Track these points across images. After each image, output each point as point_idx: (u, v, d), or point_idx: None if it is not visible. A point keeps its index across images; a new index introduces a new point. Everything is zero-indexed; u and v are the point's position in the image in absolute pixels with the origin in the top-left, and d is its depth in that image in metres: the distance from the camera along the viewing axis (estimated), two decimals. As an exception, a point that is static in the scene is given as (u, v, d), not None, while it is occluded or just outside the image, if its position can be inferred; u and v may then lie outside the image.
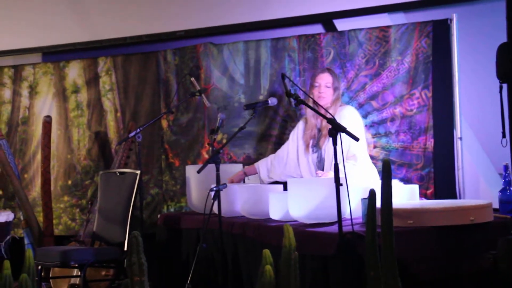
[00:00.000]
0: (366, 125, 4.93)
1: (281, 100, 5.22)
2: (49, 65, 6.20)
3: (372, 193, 3.25)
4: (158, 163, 5.81)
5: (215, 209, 4.21)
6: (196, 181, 4.92)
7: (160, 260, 5.05)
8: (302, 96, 5.11)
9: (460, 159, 4.75)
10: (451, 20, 4.80)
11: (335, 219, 3.46)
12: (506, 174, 4.02)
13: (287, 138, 5.21)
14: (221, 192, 4.21)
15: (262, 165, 4.89)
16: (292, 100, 4.00)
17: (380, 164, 4.65)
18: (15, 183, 5.72)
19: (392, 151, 4.95)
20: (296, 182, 4.08)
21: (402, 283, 3.12)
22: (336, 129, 3.54)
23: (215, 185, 4.21)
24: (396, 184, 4.26)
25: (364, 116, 4.94)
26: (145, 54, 5.93)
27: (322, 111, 4.35)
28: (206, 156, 5.55)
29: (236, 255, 4.35)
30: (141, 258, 3.51)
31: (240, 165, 5.14)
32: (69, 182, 6.07)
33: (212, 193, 4.20)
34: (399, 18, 5.12)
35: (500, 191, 4.03)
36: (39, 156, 5.96)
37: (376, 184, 3.54)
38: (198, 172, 4.27)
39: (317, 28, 5.40)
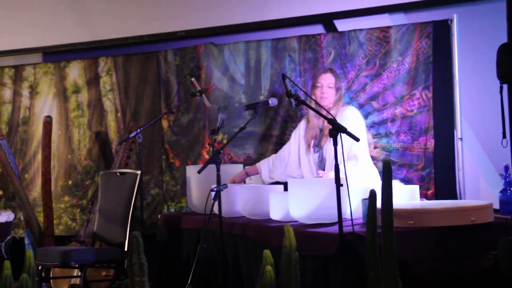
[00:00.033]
0: (366, 126, 4.93)
1: (282, 100, 5.23)
2: (50, 65, 6.21)
3: (372, 193, 3.25)
4: (158, 163, 5.82)
5: (216, 209, 4.21)
6: (197, 181, 4.92)
7: (160, 260, 5.05)
8: (302, 97, 5.13)
9: (461, 160, 4.75)
10: (451, 20, 4.80)
11: (336, 219, 3.46)
12: (507, 175, 4.02)
13: (288, 139, 5.21)
14: (222, 193, 4.22)
15: (263, 165, 4.89)
16: (292, 100, 4.00)
17: (380, 164, 4.65)
18: (16, 183, 5.72)
19: (392, 152, 4.95)
20: (296, 182, 4.08)
21: (403, 284, 3.12)
22: (336, 129, 3.54)
23: (215, 185, 4.21)
24: (396, 184, 4.26)
25: (365, 117, 4.94)
26: (145, 54, 5.93)
27: (323, 112, 4.36)
28: (207, 156, 5.55)
29: (236, 256, 4.35)
30: (141, 259, 3.51)
31: (241, 166, 5.14)
32: (70, 182, 6.07)
33: (213, 194, 4.21)
34: (400, 19, 5.12)
35: (501, 192, 4.03)
36: (39, 156, 5.96)
37: (377, 184, 3.54)
38: (199, 172, 4.28)
39: (318, 29, 5.40)
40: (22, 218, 5.76)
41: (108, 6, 6.03)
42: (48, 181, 5.76)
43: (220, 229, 4.25)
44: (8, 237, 5.45)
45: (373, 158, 4.85)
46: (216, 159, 4.23)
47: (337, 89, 4.64)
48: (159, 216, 5.44)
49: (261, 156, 5.35)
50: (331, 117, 3.69)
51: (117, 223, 4.92)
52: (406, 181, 4.80)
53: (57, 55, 6.28)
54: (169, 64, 5.80)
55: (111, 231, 4.96)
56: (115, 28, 6.01)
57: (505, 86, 3.75)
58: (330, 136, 3.55)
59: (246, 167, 5.03)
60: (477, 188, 4.79)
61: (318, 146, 4.67)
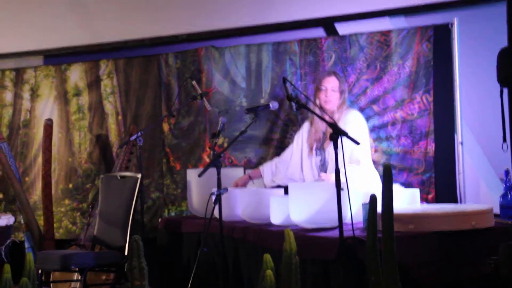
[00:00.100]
0: (367, 129, 4.93)
1: (283, 104, 5.23)
2: (51, 68, 6.21)
3: (373, 198, 3.26)
4: (159, 166, 5.81)
5: (216, 213, 4.21)
6: (197, 185, 4.92)
7: (161, 264, 5.04)
8: (303, 100, 5.14)
9: (461, 164, 4.75)
10: (452, 24, 4.80)
11: (336, 223, 3.46)
12: (507, 179, 4.01)
13: (289, 142, 5.22)
14: (222, 196, 4.21)
15: (266, 168, 4.88)
16: (293, 104, 4.00)
17: (381, 168, 4.65)
18: (16, 186, 5.72)
19: (393, 156, 4.95)
20: (297, 186, 4.08)
21: (403, 288, 3.13)
22: (337, 133, 3.54)
23: (216, 189, 4.21)
24: (397, 188, 4.26)
25: (365, 120, 4.93)
26: (146, 57, 5.93)
27: (324, 115, 4.36)
28: (207, 160, 5.55)
29: (237, 260, 4.34)
30: (141, 262, 3.51)
31: (241, 169, 5.15)
32: (70, 185, 6.07)
33: (213, 197, 4.21)
34: (400, 22, 5.12)
35: (501, 196, 4.03)
36: (40, 159, 5.95)
37: (378, 189, 3.54)
38: (199, 176, 4.28)
39: (319, 32, 5.40)
40: (22, 221, 5.75)
41: (109, 9, 6.03)
42: (49, 184, 5.76)
43: (221, 233, 4.25)
44: (8, 241, 5.45)
45: (373, 162, 4.84)
46: (216, 162, 4.23)
47: (341, 92, 4.65)
48: (159, 219, 5.43)
49: (261, 160, 5.35)
50: (332, 120, 3.69)
51: (117, 227, 4.91)
52: (407, 185, 4.80)
53: (58, 58, 6.28)
54: (170, 67, 5.80)
55: (111, 235, 4.96)
56: (116, 31, 6.01)
57: (505, 90, 3.74)
58: (331, 140, 3.55)
59: (249, 170, 5.02)
60: (478, 192, 4.78)
61: (321, 149, 4.67)
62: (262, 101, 5.40)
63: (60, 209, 6.03)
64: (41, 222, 5.78)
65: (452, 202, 4.68)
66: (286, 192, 4.36)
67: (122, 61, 5.99)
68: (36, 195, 6.09)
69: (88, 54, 6.17)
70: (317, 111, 4.46)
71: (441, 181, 4.81)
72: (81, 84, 6.10)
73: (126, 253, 4.71)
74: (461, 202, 4.71)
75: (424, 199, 4.72)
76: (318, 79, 4.72)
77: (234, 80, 5.55)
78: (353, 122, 4.56)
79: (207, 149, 5.57)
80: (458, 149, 4.77)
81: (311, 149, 4.70)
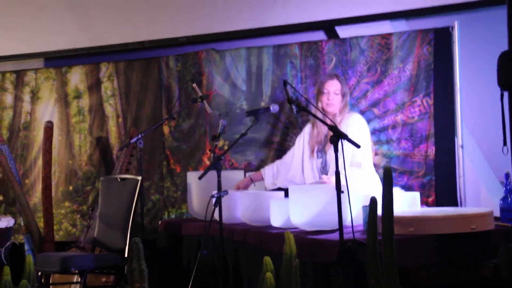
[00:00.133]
0: (367, 132, 4.93)
1: (283, 106, 5.23)
2: (51, 70, 6.21)
3: (373, 200, 3.25)
4: (159, 169, 5.81)
5: (216, 215, 4.21)
6: (197, 187, 4.92)
7: (160, 266, 5.04)
8: (304, 103, 5.14)
9: (462, 167, 4.75)
10: (452, 27, 4.80)
11: (336, 226, 3.46)
12: (507, 182, 4.01)
13: (289, 145, 5.22)
14: (222, 199, 4.21)
15: (268, 171, 4.88)
16: (293, 107, 4.00)
17: (381, 171, 4.65)
18: (16, 188, 5.71)
19: (393, 159, 4.95)
20: (297, 189, 4.07)
21: (403, 291, 3.12)
22: (337, 136, 3.54)
23: (216, 191, 4.21)
24: (397, 191, 4.26)
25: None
26: (147, 60, 5.93)
27: (324, 118, 4.36)
28: (208, 162, 5.55)
29: (237, 262, 4.34)
30: (141, 265, 3.52)
31: (242, 172, 5.14)
32: (70, 187, 6.07)
33: (213, 200, 4.20)
34: (401, 26, 5.12)
35: (501, 199, 4.03)
36: (40, 162, 5.95)
37: (378, 192, 3.54)
38: (199, 178, 4.28)
39: (319, 35, 5.40)
40: (22, 223, 5.75)
41: (109, 12, 6.03)
42: (49, 186, 5.76)
43: (221, 236, 4.25)
44: (8, 243, 5.44)
45: (374, 165, 4.84)
46: (217, 165, 4.23)
47: (343, 95, 4.65)
48: (159, 222, 5.43)
49: (262, 163, 5.35)
50: (332, 123, 3.69)
51: (117, 229, 4.91)
52: (407, 188, 4.80)
53: (58, 60, 6.28)
54: (171, 70, 5.80)
55: (111, 237, 4.95)
56: (116, 33, 6.02)
57: (505, 94, 3.75)
58: (331, 143, 3.55)
59: (250, 173, 5.02)
60: (478, 196, 4.78)
61: (322, 151, 4.66)
62: (263, 104, 5.40)
63: (60, 211, 6.03)
64: (41, 224, 5.77)
65: (452, 205, 4.68)
66: (286, 194, 4.35)
67: (122, 64, 5.99)
68: (36, 197, 6.09)
69: (88, 56, 6.18)
70: (319, 114, 4.46)
71: (442, 184, 4.81)
72: (81, 87, 6.11)
73: (126, 255, 4.71)
74: (461, 205, 4.71)
75: (424, 202, 4.71)
76: (321, 82, 4.71)
77: (235, 83, 5.55)
78: (355, 125, 4.57)
79: (208, 151, 5.57)
80: (459, 152, 4.76)
81: (312, 151, 4.70)
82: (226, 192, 4.22)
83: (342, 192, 3.46)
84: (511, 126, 3.83)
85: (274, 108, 4.67)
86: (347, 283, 3.38)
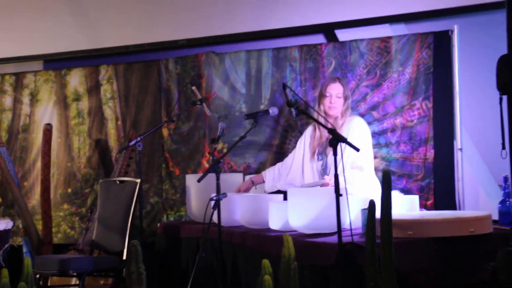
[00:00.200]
0: (366, 136, 4.93)
1: (282, 109, 5.23)
2: (51, 72, 6.21)
3: (372, 203, 3.25)
4: (158, 171, 5.81)
5: (215, 218, 4.21)
6: (196, 190, 4.91)
7: (159, 269, 5.04)
8: (303, 106, 5.14)
9: (460, 170, 4.75)
10: (452, 31, 4.81)
11: (335, 229, 3.46)
12: (506, 186, 4.01)
13: (288, 148, 5.22)
14: (221, 202, 4.21)
15: (269, 173, 4.87)
16: (293, 110, 4.00)
17: (380, 174, 4.65)
18: (15, 190, 5.71)
19: (392, 162, 4.95)
20: (296, 191, 4.07)
21: (402, 294, 3.12)
22: (336, 139, 3.54)
23: (215, 194, 4.20)
24: (396, 194, 4.26)
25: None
26: (146, 63, 5.94)
27: (323, 121, 4.37)
28: (207, 165, 5.55)
29: (235, 265, 4.34)
30: (140, 267, 3.51)
31: (241, 175, 5.14)
32: (69, 190, 6.07)
33: (212, 202, 4.20)
34: (401, 29, 5.13)
35: (500, 203, 4.03)
36: (39, 164, 5.95)
37: (378, 195, 3.54)
38: (198, 181, 4.27)
39: (319, 38, 5.41)
40: (20, 226, 5.74)
41: (109, 14, 6.04)
42: (47, 189, 5.75)
43: (219, 238, 4.25)
44: (6, 245, 5.43)
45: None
46: (216, 168, 4.23)
47: (345, 98, 4.64)
48: (158, 224, 5.43)
49: (261, 166, 5.35)
50: (332, 126, 3.69)
51: (116, 232, 4.91)
52: (406, 191, 4.79)
53: (58, 63, 6.29)
54: (170, 72, 5.80)
55: (110, 240, 4.95)
56: (116, 36, 6.02)
57: (504, 97, 3.75)
58: (330, 146, 3.56)
59: (248, 176, 5.02)
60: (477, 199, 4.78)
61: (323, 154, 4.66)
62: (262, 107, 5.40)
63: (59, 213, 6.03)
64: (39, 226, 5.77)
65: (451, 208, 4.68)
66: (285, 198, 4.35)
67: (122, 66, 6.00)
68: (34, 199, 6.09)
69: (88, 59, 6.18)
70: (318, 117, 4.46)
71: (440, 187, 4.81)
72: (80, 89, 6.11)
73: (124, 258, 4.71)
74: (460, 208, 4.71)
75: (423, 205, 4.71)
76: (323, 86, 4.70)
77: (234, 86, 5.55)
78: (357, 128, 4.56)
79: (207, 154, 5.57)
80: (457, 155, 4.76)
81: (313, 153, 4.69)
82: (225, 194, 4.21)
83: (341, 195, 3.46)
84: (510, 129, 3.83)
85: (274, 111, 4.67)
86: (346, 286, 3.37)
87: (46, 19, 6.18)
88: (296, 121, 5.28)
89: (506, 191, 4.00)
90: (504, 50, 3.65)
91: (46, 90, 6.20)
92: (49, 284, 5.32)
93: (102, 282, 5.24)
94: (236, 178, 5.04)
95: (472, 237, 3.51)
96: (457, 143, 4.77)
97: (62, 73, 6.16)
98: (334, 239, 3.53)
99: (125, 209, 4.90)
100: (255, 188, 4.91)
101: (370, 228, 3.21)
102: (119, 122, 5.99)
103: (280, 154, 5.30)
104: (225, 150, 5.38)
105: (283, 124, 5.36)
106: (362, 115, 4.99)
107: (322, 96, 4.66)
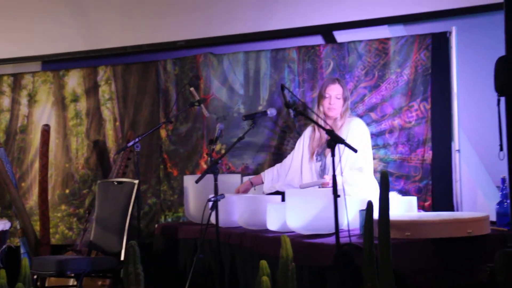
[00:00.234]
0: (364, 137, 4.93)
1: (280, 111, 5.23)
2: (49, 73, 6.21)
3: (369, 204, 3.25)
4: (156, 172, 5.81)
5: (213, 219, 4.21)
6: (194, 191, 4.91)
7: (157, 270, 5.03)
8: (301, 107, 5.14)
9: (458, 172, 4.75)
10: (450, 33, 4.82)
11: (333, 230, 3.45)
12: (504, 187, 4.02)
13: (286, 149, 5.23)
14: (219, 203, 4.21)
15: (268, 174, 4.86)
16: (291, 111, 4.00)
17: (378, 175, 4.65)
18: (12, 191, 5.70)
19: (390, 163, 4.95)
20: (294, 192, 4.07)
21: (399, 295, 3.12)
22: (334, 140, 3.54)
23: (213, 195, 4.20)
24: (394, 196, 4.26)
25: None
26: (145, 64, 5.94)
27: (322, 123, 4.36)
28: (205, 166, 5.55)
29: (233, 266, 4.34)
30: (138, 268, 3.51)
31: (239, 176, 5.14)
32: (67, 191, 6.06)
33: (210, 203, 4.20)
34: (399, 31, 5.14)
35: (498, 204, 4.03)
36: (37, 165, 5.95)
37: (376, 196, 3.54)
38: (196, 182, 4.27)
39: (317, 40, 5.42)
40: (18, 226, 5.74)
41: (107, 15, 6.04)
42: (45, 189, 5.75)
43: (217, 239, 4.24)
44: (4, 246, 5.42)
45: (371, 169, 4.85)
46: (214, 169, 4.23)
47: (345, 99, 4.63)
48: (156, 225, 5.43)
49: (259, 167, 5.35)
50: (330, 128, 3.69)
51: (113, 233, 4.91)
52: (404, 192, 4.80)
53: (56, 64, 6.28)
54: (168, 73, 5.80)
55: (107, 241, 4.95)
56: (114, 37, 6.02)
57: (502, 99, 3.75)
58: (328, 147, 3.56)
59: (246, 177, 5.02)
60: (474, 200, 4.79)
61: (322, 155, 4.65)
62: (260, 108, 5.40)
63: (57, 214, 6.02)
64: (37, 227, 5.76)
65: (448, 209, 4.68)
66: (283, 199, 4.35)
67: (120, 67, 5.99)
68: (32, 200, 6.08)
69: (86, 60, 6.17)
70: (316, 118, 4.46)
71: (438, 188, 4.81)
72: (79, 90, 6.10)
73: (122, 258, 4.71)
74: (457, 210, 4.71)
75: (421, 206, 4.71)
76: (322, 87, 4.70)
77: (232, 87, 5.56)
78: (356, 130, 4.56)
79: (205, 155, 5.57)
80: (455, 157, 4.77)
81: (312, 154, 4.69)
82: (222, 196, 4.21)
83: (339, 196, 3.46)
84: (508, 131, 3.83)
85: (272, 112, 4.67)
86: (344, 287, 3.37)
87: (45, 20, 6.18)
88: (294, 122, 5.28)
89: (504, 192, 4.00)
90: (502, 52, 3.65)
91: (44, 91, 6.20)
92: (46, 285, 5.32)
93: (100, 283, 5.24)
94: (234, 179, 5.04)
95: (470, 238, 3.51)
96: (455, 145, 4.78)
97: (60, 74, 6.16)
98: (332, 240, 3.53)
99: (123, 210, 4.90)
100: (254, 189, 4.91)
101: (368, 229, 3.21)
102: (117, 123, 5.98)
103: (278, 155, 5.30)
104: (223, 151, 5.38)
105: (281, 125, 5.36)
106: (360, 116, 4.99)
107: (321, 97, 4.65)
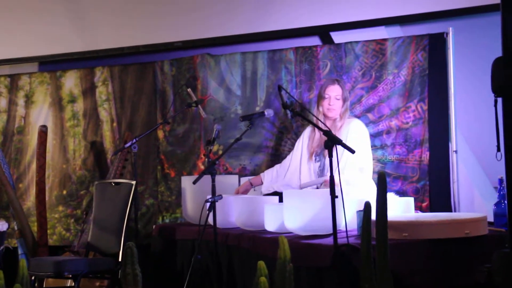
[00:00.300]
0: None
1: (278, 111, 5.24)
2: (46, 74, 6.20)
3: (367, 205, 3.26)
4: (153, 173, 5.81)
5: (210, 220, 4.20)
6: (192, 192, 4.91)
7: (155, 271, 5.03)
8: (298, 108, 5.14)
9: (456, 172, 4.76)
10: (447, 33, 4.82)
11: (331, 231, 3.46)
12: (501, 188, 4.02)
13: (284, 150, 5.23)
14: (217, 203, 4.21)
15: (267, 175, 4.86)
16: (288, 112, 4.01)
17: (375, 176, 4.65)
18: (10, 192, 5.69)
19: (387, 164, 4.96)
20: (291, 193, 4.07)
21: (397, 296, 3.12)
22: (332, 141, 3.55)
23: (210, 196, 4.20)
24: (391, 196, 4.26)
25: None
26: (142, 65, 5.93)
27: (320, 123, 4.37)
28: (202, 167, 5.55)
29: (231, 267, 4.34)
30: (135, 269, 3.51)
31: (236, 177, 5.14)
32: (64, 192, 6.06)
33: (208, 204, 4.20)
34: (396, 31, 5.15)
35: (495, 205, 4.04)
36: (34, 166, 5.94)
37: (373, 197, 3.55)
38: (194, 183, 4.27)
39: (314, 40, 5.42)
40: (15, 227, 5.73)
41: (104, 16, 6.03)
42: (43, 190, 5.74)
43: (215, 240, 4.25)
44: (1, 247, 5.42)
45: (368, 170, 4.86)
46: (211, 169, 4.23)
47: (344, 100, 4.64)
48: (153, 226, 5.43)
49: (256, 167, 5.35)
50: (327, 128, 3.69)
51: (111, 234, 4.90)
52: (401, 193, 4.80)
53: (53, 65, 6.28)
54: (166, 74, 5.80)
55: (105, 242, 4.95)
56: (111, 38, 6.02)
57: (499, 100, 3.76)
58: (325, 148, 3.56)
59: (250, 177, 5.01)
60: (472, 201, 4.79)
61: (321, 155, 4.65)
62: (257, 108, 5.40)
63: (54, 215, 6.02)
64: (34, 228, 5.75)
65: (446, 210, 4.69)
66: (281, 200, 4.35)
67: (117, 68, 5.99)
68: (30, 201, 6.08)
69: (83, 61, 6.17)
70: (314, 119, 4.47)
71: (436, 189, 4.82)
72: (76, 91, 6.10)
73: (120, 259, 4.70)
74: (455, 210, 4.72)
75: (418, 207, 4.72)
76: (322, 87, 4.70)
77: (230, 88, 5.56)
78: (356, 131, 4.57)
79: (202, 156, 5.57)
80: (453, 157, 4.78)
81: (311, 154, 4.69)
82: (220, 196, 4.21)
83: (337, 197, 3.46)
84: (505, 132, 3.84)
85: (269, 113, 4.67)
86: (341, 287, 3.38)
87: (41, 21, 6.18)
88: (292, 123, 5.28)
89: (501, 193, 4.00)
90: (499, 52, 3.66)
91: (41, 92, 6.19)
92: (44, 286, 5.31)
93: (97, 283, 5.23)
94: (232, 180, 5.04)
95: (467, 239, 3.52)
96: (452, 145, 4.78)
97: (57, 75, 6.15)
98: (329, 240, 3.53)
99: (121, 211, 4.89)
100: (254, 190, 4.91)
101: (366, 230, 3.21)
102: (114, 124, 5.98)
103: (275, 156, 5.30)
104: (220, 152, 5.38)
105: (279, 126, 5.37)
106: (357, 117, 5.00)
107: (321, 98, 4.65)
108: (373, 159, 4.95)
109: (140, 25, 5.93)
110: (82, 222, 5.73)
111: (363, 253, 3.20)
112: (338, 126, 4.57)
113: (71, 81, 6.11)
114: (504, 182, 4.00)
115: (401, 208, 4.13)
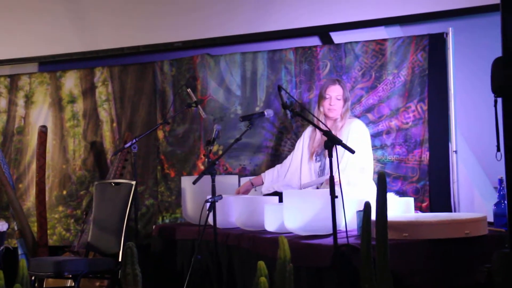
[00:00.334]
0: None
1: (277, 112, 5.24)
2: (46, 74, 6.20)
3: (367, 205, 3.26)
4: (153, 174, 5.81)
5: (210, 220, 4.21)
6: (192, 192, 4.91)
7: (155, 271, 5.03)
8: (298, 108, 5.14)
9: (455, 172, 4.76)
10: (447, 34, 4.82)
11: (330, 231, 3.46)
12: (501, 188, 4.02)
13: (283, 150, 5.23)
14: (217, 204, 4.21)
15: (268, 175, 4.85)
16: (288, 112, 4.01)
17: (375, 176, 4.66)
18: (10, 193, 5.69)
19: (387, 164, 4.96)
20: (291, 193, 4.07)
21: (397, 296, 3.12)
22: (332, 141, 3.55)
23: (210, 196, 4.20)
24: (391, 197, 4.26)
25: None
26: (142, 65, 5.93)
27: (320, 124, 4.37)
28: (202, 167, 5.55)
29: (231, 267, 4.34)
30: (135, 269, 3.50)
31: (236, 177, 5.14)
32: (64, 192, 6.06)
33: (208, 204, 4.20)
34: (396, 32, 5.15)
35: (495, 205, 4.04)
36: (34, 166, 5.94)
37: (373, 197, 3.55)
38: (194, 183, 4.27)
39: (314, 41, 5.42)
40: (15, 228, 5.73)
41: (104, 17, 6.04)
42: (42, 191, 5.74)
43: (215, 240, 4.25)
44: (1, 247, 5.42)
45: (368, 170, 4.86)
46: (211, 170, 4.23)
47: (345, 100, 4.63)
48: (153, 226, 5.42)
49: (256, 168, 5.35)
50: (327, 129, 3.69)
51: (111, 234, 4.90)
52: (401, 193, 4.80)
53: (53, 65, 6.28)
54: (165, 74, 5.80)
55: (105, 242, 4.95)
56: (111, 38, 6.02)
57: (499, 100, 3.76)
58: (325, 148, 3.56)
59: (251, 177, 5.01)
60: (472, 201, 4.79)
61: (321, 155, 4.65)
62: (257, 109, 5.41)
63: (54, 215, 6.02)
64: (34, 228, 5.75)
65: (446, 210, 4.69)
66: (281, 200, 4.35)
67: (117, 69, 5.99)
68: (29, 201, 6.08)
69: (83, 61, 6.17)
70: (314, 119, 4.47)
71: (436, 189, 4.82)
72: (75, 91, 6.10)
73: (120, 259, 4.70)
74: (455, 210, 4.72)
75: (418, 207, 4.72)
76: (323, 87, 4.69)
77: (229, 88, 5.56)
78: (357, 131, 4.56)
79: (202, 156, 5.57)
80: (453, 157, 4.77)
81: (311, 154, 4.69)
82: (220, 197, 4.21)
83: (337, 197, 3.46)
84: (505, 132, 3.84)
85: (269, 113, 4.67)
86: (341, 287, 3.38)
87: (41, 22, 6.18)
88: (292, 123, 5.28)
89: (501, 193, 4.00)
90: (498, 52, 3.66)
91: (41, 92, 6.19)
92: (44, 286, 5.31)
93: (97, 284, 5.23)
94: (232, 180, 5.04)
95: (467, 239, 3.52)
96: (452, 145, 4.78)
97: (57, 75, 6.15)
98: (329, 241, 3.53)
99: (121, 211, 4.89)
100: (255, 190, 4.91)
101: (366, 230, 3.21)
102: (114, 124, 5.98)
103: (275, 156, 5.30)
104: (220, 152, 5.38)
105: (279, 126, 5.37)
106: (357, 117, 5.00)
107: (321, 98, 4.65)
108: (373, 159, 4.96)
109: (140, 25, 5.93)
110: (82, 222, 5.73)
111: (363, 253, 3.20)
112: (339, 126, 4.57)
113: (71, 82, 6.11)
114: (504, 182, 4.00)
115: (401, 208, 4.13)
